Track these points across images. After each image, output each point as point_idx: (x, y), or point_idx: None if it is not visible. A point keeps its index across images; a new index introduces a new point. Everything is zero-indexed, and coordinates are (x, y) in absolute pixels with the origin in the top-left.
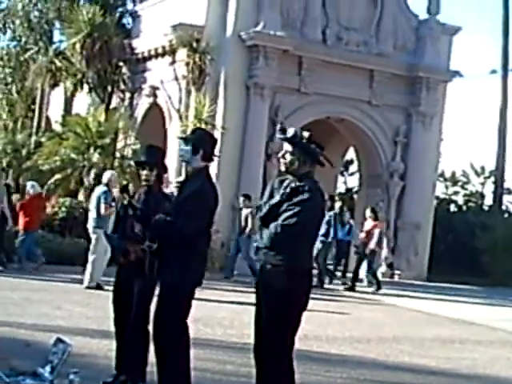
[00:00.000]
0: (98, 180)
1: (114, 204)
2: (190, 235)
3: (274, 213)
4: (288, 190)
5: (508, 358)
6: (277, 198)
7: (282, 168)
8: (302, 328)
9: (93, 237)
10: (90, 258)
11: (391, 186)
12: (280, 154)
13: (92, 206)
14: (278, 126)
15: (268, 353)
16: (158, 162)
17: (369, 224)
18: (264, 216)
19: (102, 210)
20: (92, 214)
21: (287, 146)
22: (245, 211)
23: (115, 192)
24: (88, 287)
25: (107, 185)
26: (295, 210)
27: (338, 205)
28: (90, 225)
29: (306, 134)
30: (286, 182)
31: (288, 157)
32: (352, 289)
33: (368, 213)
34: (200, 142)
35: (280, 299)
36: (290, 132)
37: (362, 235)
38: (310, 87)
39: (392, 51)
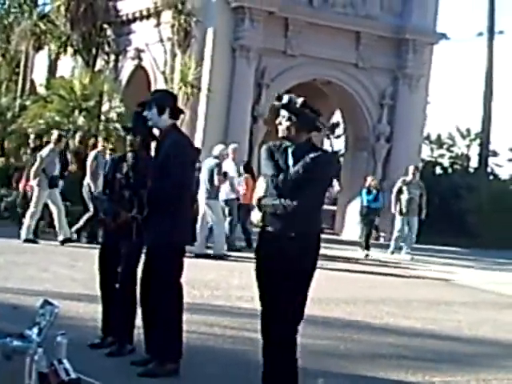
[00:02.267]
0: (82, 143)
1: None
2: (174, 194)
3: (296, 186)
4: (308, 160)
5: (495, 320)
6: (299, 168)
7: (280, 134)
8: None
9: (205, 207)
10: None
11: (377, 149)
12: (277, 121)
13: (204, 177)
14: (276, 94)
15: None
16: (143, 128)
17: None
18: (285, 190)
19: (216, 182)
20: (204, 186)
21: (283, 113)
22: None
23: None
24: None
25: (218, 157)
26: (317, 179)
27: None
28: (203, 195)
29: (300, 99)
30: (294, 151)
31: (285, 123)
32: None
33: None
34: (162, 101)
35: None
36: (285, 98)
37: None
38: (297, 49)
39: (379, 13)
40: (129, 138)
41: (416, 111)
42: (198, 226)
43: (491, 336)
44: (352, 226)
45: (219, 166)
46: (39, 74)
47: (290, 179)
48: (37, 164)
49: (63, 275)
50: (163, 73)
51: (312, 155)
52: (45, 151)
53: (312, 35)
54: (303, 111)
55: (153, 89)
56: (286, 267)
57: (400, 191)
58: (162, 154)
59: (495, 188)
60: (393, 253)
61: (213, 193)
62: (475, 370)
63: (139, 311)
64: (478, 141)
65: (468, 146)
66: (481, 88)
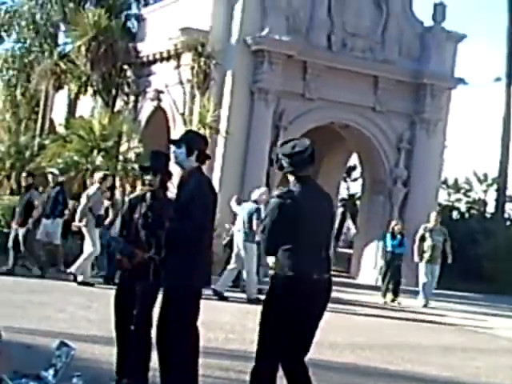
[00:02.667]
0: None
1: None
2: (194, 236)
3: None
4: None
5: (511, 367)
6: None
7: None
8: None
9: (241, 250)
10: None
11: (394, 193)
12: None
13: (241, 221)
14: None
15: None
16: (162, 167)
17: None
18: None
19: (255, 226)
20: (242, 229)
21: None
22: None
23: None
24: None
25: (256, 201)
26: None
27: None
28: (240, 239)
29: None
30: None
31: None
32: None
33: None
34: (193, 143)
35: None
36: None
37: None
38: (315, 93)
39: (397, 58)
40: (148, 177)
41: (433, 155)
42: (228, 267)
43: (509, 383)
44: (368, 270)
45: (258, 210)
46: (58, 114)
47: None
48: (83, 203)
49: (79, 316)
50: (182, 114)
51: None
52: (91, 190)
53: (330, 79)
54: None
55: (172, 130)
56: None
57: (423, 238)
58: (184, 195)
59: None
60: (425, 305)
61: (250, 236)
62: None
63: (155, 353)
64: (495, 186)
65: (485, 191)
66: (498, 133)
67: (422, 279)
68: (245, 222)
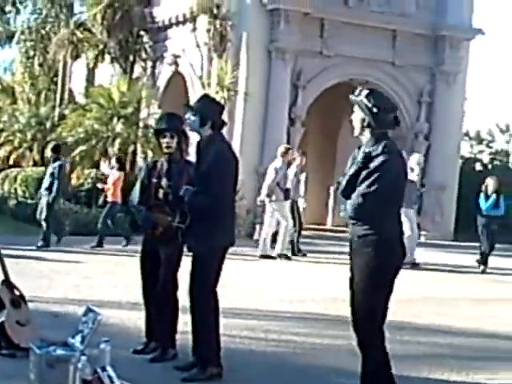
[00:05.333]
0: (121, 150)
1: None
2: (217, 205)
3: (353, 184)
4: (361, 156)
5: None
6: (353, 167)
7: (355, 133)
8: (331, 290)
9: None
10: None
11: (416, 147)
12: (351, 117)
13: (269, 179)
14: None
15: (361, 323)
16: (178, 128)
17: None
18: (344, 189)
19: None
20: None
21: (356, 111)
22: None
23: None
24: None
25: (412, 169)
26: (373, 176)
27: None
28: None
29: (368, 101)
30: (362, 148)
31: (357, 121)
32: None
33: None
34: (207, 113)
35: (370, 270)
36: (361, 95)
37: None
38: (332, 50)
39: (414, 10)
40: (165, 140)
41: (454, 108)
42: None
43: None
44: None
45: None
46: (77, 83)
47: (346, 179)
48: (271, 177)
49: (105, 282)
50: (200, 78)
51: (366, 150)
52: (278, 164)
53: (348, 35)
54: (372, 109)
55: (190, 94)
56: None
57: None
58: (204, 163)
59: None
60: None
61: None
62: None
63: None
64: None
65: (508, 142)
66: None
67: None
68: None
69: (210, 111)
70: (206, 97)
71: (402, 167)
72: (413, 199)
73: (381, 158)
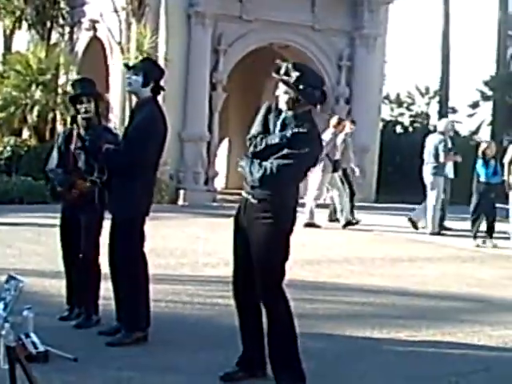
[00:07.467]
0: (40, 117)
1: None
2: (138, 163)
3: (270, 152)
4: (289, 135)
5: (457, 274)
6: (276, 138)
7: (280, 106)
8: None
9: (430, 183)
10: (430, 205)
11: (337, 111)
12: (276, 93)
13: (428, 154)
14: (281, 65)
15: (261, 284)
16: (93, 92)
17: None
18: (259, 152)
19: (442, 158)
20: (430, 162)
21: (281, 86)
22: None
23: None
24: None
25: (443, 133)
26: (294, 154)
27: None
28: (428, 172)
29: (295, 73)
30: (285, 119)
31: (283, 96)
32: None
33: None
34: (151, 73)
35: (268, 231)
36: (282, 70)
37: None
38: (252, 14)
39: None
40: (84, 105)
41: (374, 71)
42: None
43: (454, 290)
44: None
45: (445, 141)
46: None
47: (264, 145)
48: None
49: (28, 250)
50: (119, 43)
51: (295, 130)
52: (327, 136)
53: None
54: (299, 86)
55: (109, 60)
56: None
57: None
58: (135, 122)
59: (455, 144)
60: None
61: (439, 169)
62: (440, 324)
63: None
64: (437, 98)
65: (427, 104)
66: (438, 45)
67: None
68: (431, 155)
69: (154, 73)
70: (148, 59)
71: (318, 152)
72: None
73: (303, 136)
